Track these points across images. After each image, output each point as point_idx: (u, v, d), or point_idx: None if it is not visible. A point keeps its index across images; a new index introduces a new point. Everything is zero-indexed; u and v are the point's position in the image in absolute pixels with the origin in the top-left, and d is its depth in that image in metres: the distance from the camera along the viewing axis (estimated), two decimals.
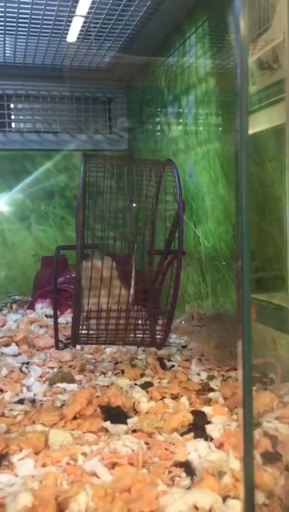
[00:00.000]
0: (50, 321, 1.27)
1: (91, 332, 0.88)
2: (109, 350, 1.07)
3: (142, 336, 0.92)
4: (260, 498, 0.51)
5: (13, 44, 1.39)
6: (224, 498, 0.51)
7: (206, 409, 0.73)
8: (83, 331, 0.88)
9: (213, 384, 0.85)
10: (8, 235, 1.69)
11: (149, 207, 0.95)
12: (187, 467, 0.58)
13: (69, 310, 1.36)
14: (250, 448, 0.44)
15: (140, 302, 1.05)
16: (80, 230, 0.78)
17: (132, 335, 0.92)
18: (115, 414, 0.74)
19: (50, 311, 1.34)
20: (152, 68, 1.42)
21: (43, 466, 0.59)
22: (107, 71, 1.62)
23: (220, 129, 1.03)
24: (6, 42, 1.38)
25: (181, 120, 1.24)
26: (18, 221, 1.70)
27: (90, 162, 0.82)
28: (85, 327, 0.88)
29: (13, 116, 1.67)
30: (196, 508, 0.48)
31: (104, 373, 0.92)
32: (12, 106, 1.66)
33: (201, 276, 1.14)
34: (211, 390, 0.83)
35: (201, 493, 0.49)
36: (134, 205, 0.92)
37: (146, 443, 0.64)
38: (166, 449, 0.62)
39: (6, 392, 0.85)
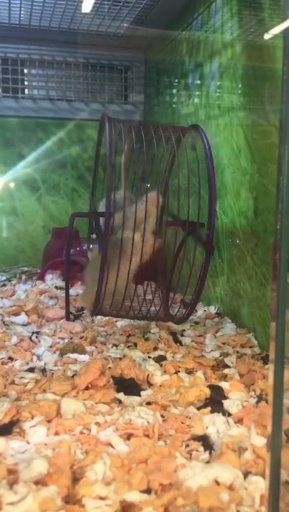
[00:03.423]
0: (60, 293, 1.25)
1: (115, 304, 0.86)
2: (121, 323, 1.05)
3: (160, 309, 0.90)
4: (283, 476, 0.49)
5: (29, 5, 1.33)
6: (245, 475, 0.49)
7: (223, 385, 0.70)
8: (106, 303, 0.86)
9: (228, 360, 0.83)
10: (19, 205, 1.66)
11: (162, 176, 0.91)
12: (205, 441, 0.56)
13: (80, 282, 1.33)
14: (279, 424, 0.42)
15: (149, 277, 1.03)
16: (108, 194, 0.74)
17: (152, 308, 0.89)
18: (128, 386, 0.72)
19: (60, 283, 1.32)
20: (173, 35, 1.36)
21: (56, 434, 0.57)
22: (124, 38, 1.56)
23: (245, 98, 0.98)
24: (22, 2, 1.32)
25: (202, 90, 1.19)
26: (29, 191, 1.66)
27: (114, 125, 0.79)
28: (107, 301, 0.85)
29: (26, 82, 1.62)
30: (217, 482, 0.46)
31: (116, 345, 0.90)
32: (26, 71, 1.61)
33: (217, 252, 1.11)
34: (226, 366, 0.81)
35: (222, 468, 0.47)
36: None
37: (162, 415, 0.62)
38: (183, 423, 0.60)
39: (16, 360, 0.84)
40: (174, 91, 1.40)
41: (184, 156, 0.86)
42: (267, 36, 0.92)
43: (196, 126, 0.84)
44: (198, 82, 1.21)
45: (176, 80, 1.38)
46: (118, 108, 1.68)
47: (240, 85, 1.01)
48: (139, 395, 0.69)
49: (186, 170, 0.85)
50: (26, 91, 1.62)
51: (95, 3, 1.30)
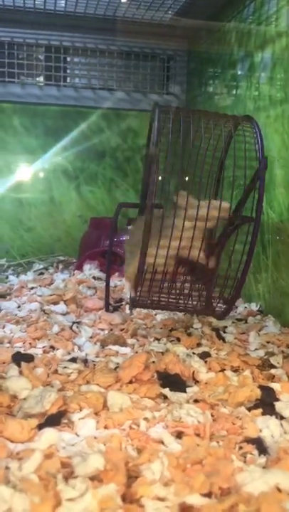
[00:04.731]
0: (98, 283, 1.24)
1: (153, 295, 0.84)
2: (160, 316, 1.03)
3: (201, 302, 0.87)
4: None
5: None
6: None
7: (273, 386, 0.68)
8: (143, 294, 0.84)
9: (273, 360, 0.80)
10: (56, 193, 1.66)
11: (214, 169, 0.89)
12: (259, 445, 0.54)
13: (117, 273, 1.32)
14: None
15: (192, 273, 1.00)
16: (152, 186, 0.72)
17: (194, 301, 0.87)
18: (174, 382, 0.70)
19: (97, 273, 1.31)
20: (221, 24, 1.32)
21: (105, 427, 0.56)
22: (169, 26, 1.52)
23: None
24: None
25: (251, 80, 1.15)
26: (67, 180, 1.66)
27: (164, 113, 0.76)
28: (145, 288, 0.83)
29: (68, 70, 1.61)
30: (278, 489, 0.44)
31: (158, 339, 0.88)
32: (68, 59, 1.60)
33: (261, 248, 1.07)
34: (272, 366, 0.78)
35: (282, 474, 0.45)
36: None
37: (211, 415, 0.61)
38: (234, 424, 0.58)
39: (58, 349, 0.83)
40: (219, 81, 1.37)
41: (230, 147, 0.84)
42: None
43: (249, 117, 0.81)
44: (247, 72, 1.17)
45: (222, 71, 1.34)
46: (159, 98, 1.65)
47: None
48: (185, 392, 0.68)
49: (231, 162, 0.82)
50: (68, 79, 1.61)
51: None
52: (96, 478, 0.43)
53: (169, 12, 1.45)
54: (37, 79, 1.58)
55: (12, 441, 0.52)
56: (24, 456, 0.47)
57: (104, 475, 0.43)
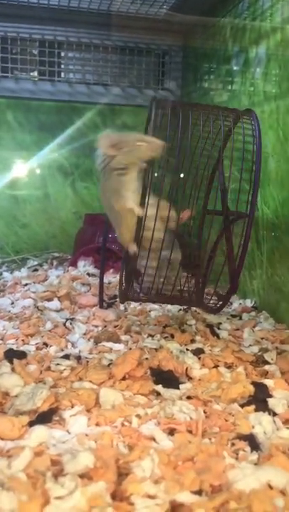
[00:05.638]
0: (92, 280, 1.23)
1: (144, 287, 0.83)
2: (154, 313, 1.03)
3: (193, 295, 0.87)
4: None
5: None
6: None
7: (267, 382, 0.68)
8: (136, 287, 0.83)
9: (267, 356, 0.80)
10: (51, 190, 1.65)
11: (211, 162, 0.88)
12: (251, 441, 0.53)
13: (111, 270, 1.32)
14: None
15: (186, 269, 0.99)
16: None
17: (187, 295, 0.86)
18: (167, 378, 0.70)
19: (92, 270, 1.31)
20: (216, 19, 1.31)
21: (97, 425, 0.55)
22: (164, 21, 1.51)
23: None
24: None
25: (246, 76, 1.14)
26: (62, 176, 1.65)
27: (160, 108, 0.75)
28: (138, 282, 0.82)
29: (62, 65, 1.60)
30: (270, 486, 0.43)
31: (151, 336, 0.88)
32: (62, 54, 1.58)
33: (256, 244, 1.07)
34: (266, 362, 0.78)
35: (274, 471, 0.45)
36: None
37: (204, 411, 0.60)
38: (226, 420, 0.58)
39: (51, 346, 0.83)
40: (215, 77, 1.36)
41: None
42: None
43: (250, 111, 0.80)
44: (242, 67, 1.16)
45: (217, 66, 1.33)
46: (154, 93, 1.64)
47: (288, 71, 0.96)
48: (178, 388, 0.67)
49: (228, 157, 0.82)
50: (62, 74, 1.59)
51: None
52: (86, 476, 0.43)
53: (164, 7, 1.44)
54: (31, 74, 1.57)
55: (2, 439, 0.51)
56: (14, 453, 0.46)
57: (94, 472, 0.43)
